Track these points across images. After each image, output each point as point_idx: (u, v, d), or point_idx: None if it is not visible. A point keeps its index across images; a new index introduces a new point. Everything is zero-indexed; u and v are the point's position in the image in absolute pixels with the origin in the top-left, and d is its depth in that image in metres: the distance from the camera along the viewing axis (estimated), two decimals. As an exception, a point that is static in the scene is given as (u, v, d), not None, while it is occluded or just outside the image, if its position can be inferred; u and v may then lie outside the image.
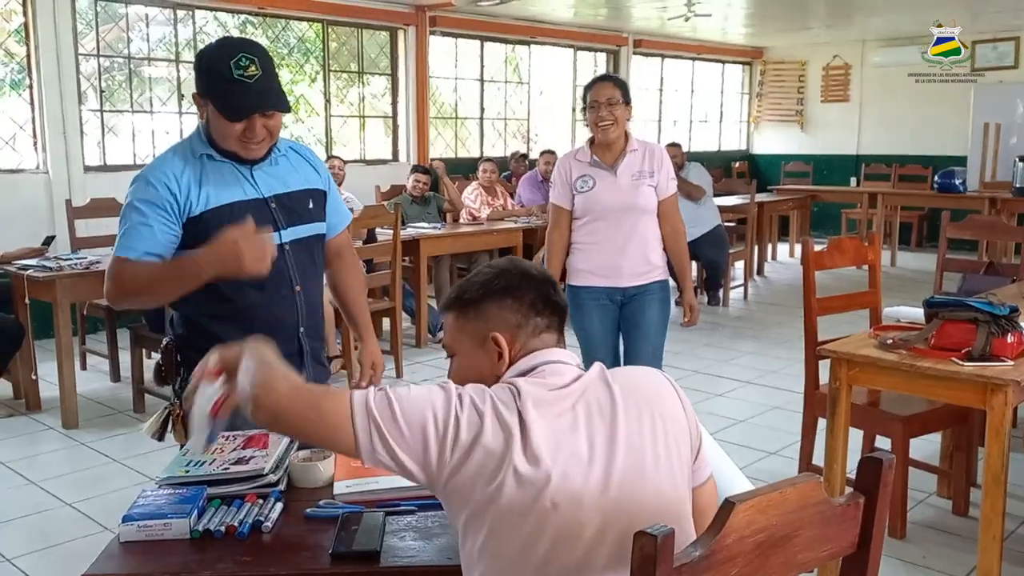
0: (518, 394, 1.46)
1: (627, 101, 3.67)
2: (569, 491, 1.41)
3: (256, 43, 2.18)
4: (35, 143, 6.87)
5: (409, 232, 6.57)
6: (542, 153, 8.78)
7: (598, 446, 1.45)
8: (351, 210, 2.87)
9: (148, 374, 5.25)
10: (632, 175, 3.66)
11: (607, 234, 3.68)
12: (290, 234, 2.26)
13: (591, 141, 3.74)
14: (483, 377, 1.56)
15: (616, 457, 1.45)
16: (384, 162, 9.39)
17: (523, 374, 1.55)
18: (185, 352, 2.26)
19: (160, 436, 2.26)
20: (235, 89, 2.07)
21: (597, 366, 1.59)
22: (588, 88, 3.72)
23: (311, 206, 2.33)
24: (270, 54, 2.18)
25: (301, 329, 2.30)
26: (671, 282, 3.98)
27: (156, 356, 5.43)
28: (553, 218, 3.83)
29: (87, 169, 7.03)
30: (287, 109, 2.16)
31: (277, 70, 2.21)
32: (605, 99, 3.61)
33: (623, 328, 3.79)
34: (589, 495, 1.42)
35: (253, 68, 2.07)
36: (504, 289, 1.60)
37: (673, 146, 8.32)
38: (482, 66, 10.38)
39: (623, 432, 1.47)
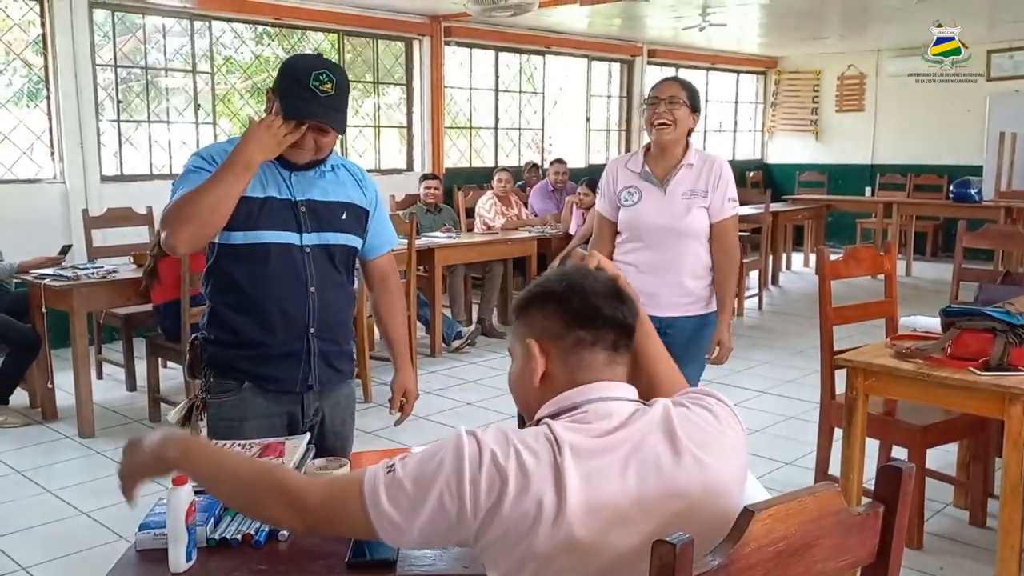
0: (558, 447, 1.32)
1: (693, 107, 3.31)
2: (615, 554, 1.31)
3: (342, 69, 2.32)
4: (52, 153, 6.91)
5: (424, 241, 6.58)
6: (552, 163, 8.79)
7: (649, 503, 1.33)
8: None
9: (164, 383, 5.28)
10: (683, 193, 3.30)
11: (647, 256, 3.34)
12: (313, 238, 2.33)
13: (646, 148, 3.41)
14: (526, 391, 1.49)
15: (668, 512, 1.34)
16: (399, 172, 9.41)
17: (563, 411, 1.42)
18: (206, 348, 2.38)
19: (183, 424, 2.39)
20: (303, 94, 2.21)
21: (661, 405, 1.43)
22: (653, 86, 3.38)
23: (344, 217, 2.39)
24: (349, 84, 2.32)
25: (312, 329, 2.36)
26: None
27: (172, 365, 5.52)
28: (596, 229, 3.52)
29: (104, 179, 7.06)
30: (340, 131, 2.31)
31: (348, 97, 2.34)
32: (667, 96, 3.26)
33: None
34: (637, 554, 1.28)
35: (328, 86, 2.22)
36: (549, 294, 1.48)
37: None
38: (497, 76, 10.41)
39: (682, 485, 1.35)
